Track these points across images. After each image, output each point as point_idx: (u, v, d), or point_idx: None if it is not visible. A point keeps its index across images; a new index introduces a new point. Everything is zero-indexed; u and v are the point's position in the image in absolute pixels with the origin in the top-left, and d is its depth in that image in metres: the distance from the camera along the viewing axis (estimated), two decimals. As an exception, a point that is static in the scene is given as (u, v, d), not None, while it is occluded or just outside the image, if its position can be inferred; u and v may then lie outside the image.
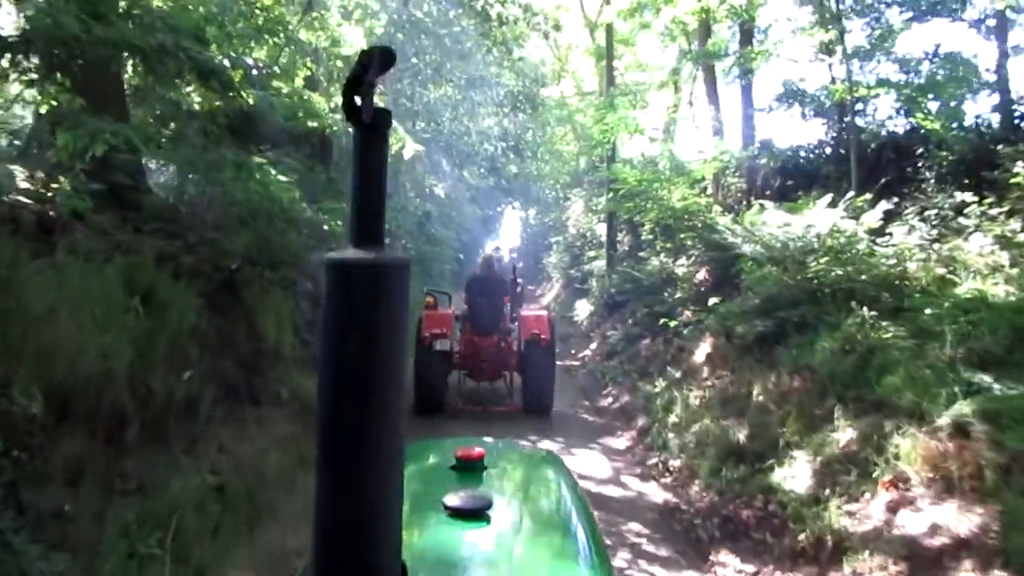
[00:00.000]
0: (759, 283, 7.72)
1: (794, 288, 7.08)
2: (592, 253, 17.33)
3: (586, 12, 20.49)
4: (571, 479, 2.02)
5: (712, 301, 9.09)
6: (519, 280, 12.77)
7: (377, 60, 0.87)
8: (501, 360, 8.84)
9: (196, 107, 7.15)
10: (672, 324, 9.73)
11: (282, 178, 7.15)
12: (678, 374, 8.60)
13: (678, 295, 11.07)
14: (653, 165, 15.46)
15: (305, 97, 8.83)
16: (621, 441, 7.97)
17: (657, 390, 8.70)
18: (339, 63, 9.99)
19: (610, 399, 9.89)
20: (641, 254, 14.06)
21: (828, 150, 11.54)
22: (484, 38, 16.78)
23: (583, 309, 16.17)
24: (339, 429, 0.88)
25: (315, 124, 9.09)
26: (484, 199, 38.79)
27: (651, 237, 13.55)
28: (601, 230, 17.69)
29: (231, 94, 6.14)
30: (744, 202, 11.81)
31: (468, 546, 1.46)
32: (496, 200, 43.15)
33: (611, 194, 15.03)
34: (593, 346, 13.75)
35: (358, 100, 0.87)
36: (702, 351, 8.49)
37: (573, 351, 14.01)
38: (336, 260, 0.88)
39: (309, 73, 9.35)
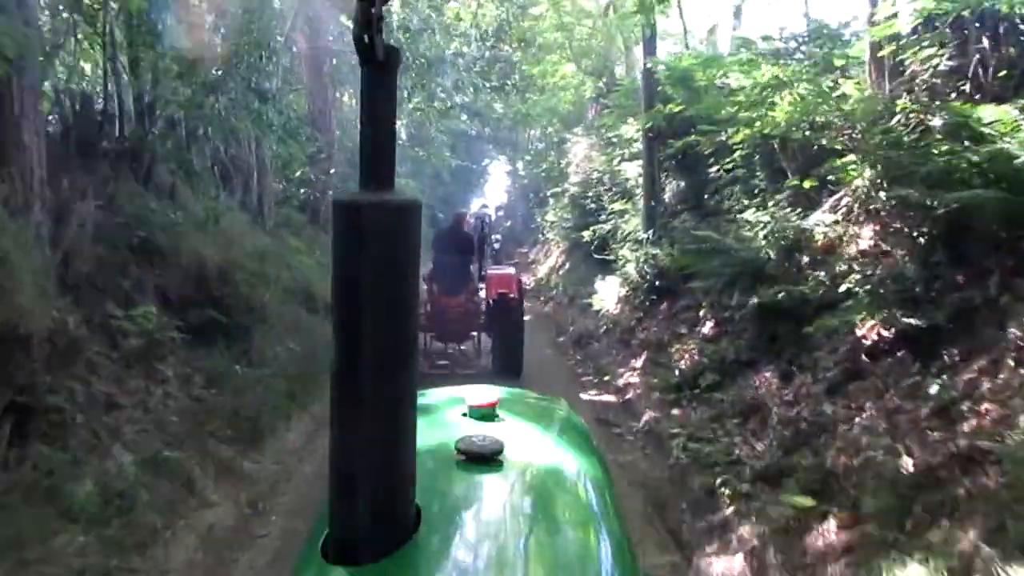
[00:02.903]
0: None
1: None
2: (617, 205, 11.24)
3: None
4: (582, 424, 2.04)
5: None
6: (496, 237, 13.63)
7: None
8: (468, 321, 8.23)
9: None
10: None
11: None
12: (967, 532, 2.60)
13: (847, 286, 5.08)
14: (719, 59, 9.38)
15: None
16: None
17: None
18: None
19: (741, 555, 3.89)
20: (726, 203, 8.01)
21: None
22: None
23: (608, 292, 10.14)
24: (354, 369, 0.86)
25: None
26: (467, 150, 32.69)
27: (743, 171, 7.46)
28: (630, 171, 11.59)
29: None
30: (952, 91, 5.79)
31: (481, 490, 1.41)
32: (481, 152, 37.09)
33: (661, 107, 8.93)
34: (638, 364, 7.76)
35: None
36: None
37: (606, 375, 8.00)
38: (347, 201, 0.86)
39: None
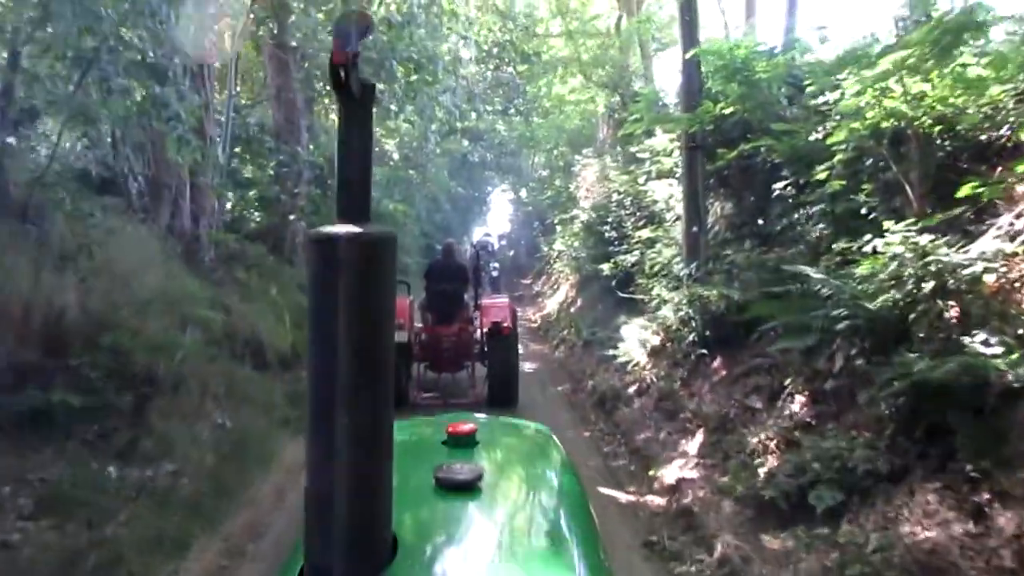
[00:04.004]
0: None
1: None
2: (645, 232, 9.12)
3: None
4: (562, 452, 1.92)
5: None
6: (495, 265, 15.70)
7: (355, 28, 0.84)
8: (462, 350, 7.96)
9: None
10: None
11: None
12: None
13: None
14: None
15: None
16: None
17: None
18: None
19: None
20: (802, 229, 5.82)
21: None
22: None
23: (637, 341, 7.97)
24: (330, 401, 0.86)
25: None
26: (468, 178, 30.87)
27: (843, 184, 5.31)
28: (658, 192, 9.50)
29: None
30: None
31: (458, 519, 1.38)
32: (483, 180, 35.27)
33: (711, 104, 6.91)
34: (691, 449, 5.56)
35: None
36: None
37: (646, 461, 5.78)
38: (322, 235, 0.86)
39: None
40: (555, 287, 17.85)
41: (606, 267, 9.86)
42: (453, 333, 7.87)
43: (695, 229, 7.58)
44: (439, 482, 1.36)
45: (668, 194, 9.28)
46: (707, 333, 6.57)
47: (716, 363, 6.37)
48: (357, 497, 0.86)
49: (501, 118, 27.42)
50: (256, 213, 8.97)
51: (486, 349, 7.71)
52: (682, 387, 6.62)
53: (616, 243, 10.35)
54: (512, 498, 1.50)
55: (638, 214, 10.14)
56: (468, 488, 1.37)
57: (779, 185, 6.67)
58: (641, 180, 10.04)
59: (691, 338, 6.78)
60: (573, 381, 9.25)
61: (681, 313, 6.95)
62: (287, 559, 1.20)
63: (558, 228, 17.49)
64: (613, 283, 9.90)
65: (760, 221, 7.37)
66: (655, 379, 7.16)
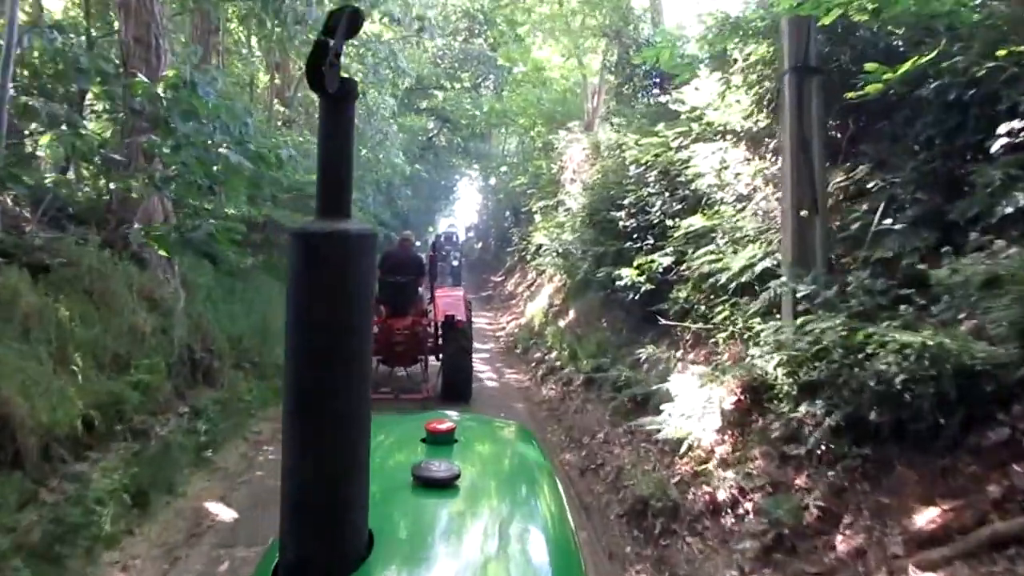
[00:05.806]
0: None
1: None
2: (698, 220, 5.73)
3: None
4: (541, 450, 1.90)
5: None
6: (457, 254, 15.98)
7: (344, 25, 0.81)
8: (416, 344, 7.68)
9: None
10: None
11: None
12: None
13: None
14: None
15: None
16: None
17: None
18: None
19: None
20: None
21: None
22: None
23: (696, 403, 4.60)
24: (306, 395, 0.84)
25: None
26: (434, 164, 27.37)
27: None
28: (701, 161, 6.13)
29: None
30: None
31: (436, 515, 1.33)
32: (450, 168, 31.85)
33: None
34: None
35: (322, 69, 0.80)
36: None
37: None
38: (302, 230, 0.85)
39: None
40: (534, 289, 14.48)
41: (628, 272, 6.47)
42: (406, 326, 7.54)
43: (805, 213, 4.27)
44: (417, 479, 1.32)
45: (719, 163, 5.97)
46: (872, 414, 3.26)
47: (909, 483, 3.06)
48: (333, 492, 0.83)
49: (469, 95, 24.10)
50: (49, 176, 5.49)
51: (440, 342, 7.44)
52: (822, 523, 3.29)
53: (636, 236, 7.00)
54: (489, 496, 1.45)
55: (667, 195, 6.79)
56: (445, 485, 1.33)
57: (1002, 129, 3.40)
58: (676, 144, 6.66)
59: (828, 421, 3.46)
60: (578, 450, 5.87)
61: (808, 372, 3.61)
62: (264, 555, 1.14)
63: (537, 217, 14.20)
64: (634, 296, 6.57)
65: (919, 196, 4.08)
66: (745, 487, 3.83)
